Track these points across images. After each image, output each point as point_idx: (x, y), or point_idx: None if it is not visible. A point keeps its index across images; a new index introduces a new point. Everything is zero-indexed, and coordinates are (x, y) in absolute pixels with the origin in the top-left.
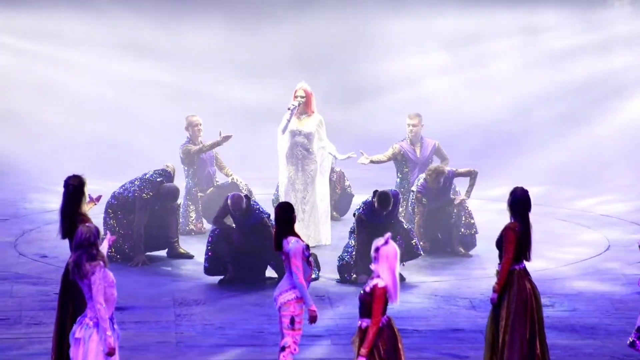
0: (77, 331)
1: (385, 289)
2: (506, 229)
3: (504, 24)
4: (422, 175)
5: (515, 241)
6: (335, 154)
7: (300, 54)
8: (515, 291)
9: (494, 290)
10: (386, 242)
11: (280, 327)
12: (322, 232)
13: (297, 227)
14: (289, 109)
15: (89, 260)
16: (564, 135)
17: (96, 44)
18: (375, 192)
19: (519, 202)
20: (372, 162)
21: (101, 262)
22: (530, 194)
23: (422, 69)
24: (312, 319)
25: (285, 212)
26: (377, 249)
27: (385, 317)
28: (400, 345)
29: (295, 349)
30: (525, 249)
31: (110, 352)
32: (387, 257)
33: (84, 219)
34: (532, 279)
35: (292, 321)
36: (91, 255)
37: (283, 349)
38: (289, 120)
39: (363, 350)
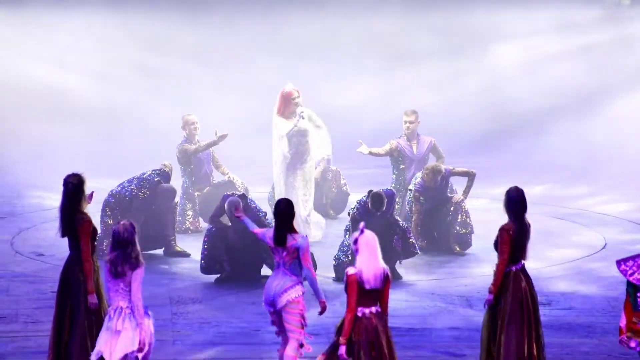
0: (114, 322)
1: (355, 276)
2: (501, 230)
3: (504, 21)
4: (419, 174)
5: (510, 242)
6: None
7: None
8: (511, 292)
9: (490, 292)
10: (362, 232)
11: (284, 326)
12: (318, 229)
13: (301, 225)
14: (300, 116)
15: (126, 259)
16: (563, 134)
17: (95, 42)
18: (369, 192)
19: (514, 202)
20: (370, 153)
21: (140, 259)
22: (527, 192)
23: (420, 65)
24: (324, 310)
25: (288, 208)
26: (355, 241)
27: (375, 308)
28: (382, 337)
29: (309, 348)
30: (522, 249)
31: (145, 345)
32: (367, 243)
33: (85, 217)
34: (529, 279)
35: (304, 318)
36: (127, 254)
37: (302, 346)
38: (295, 125)
39: (341, 339)
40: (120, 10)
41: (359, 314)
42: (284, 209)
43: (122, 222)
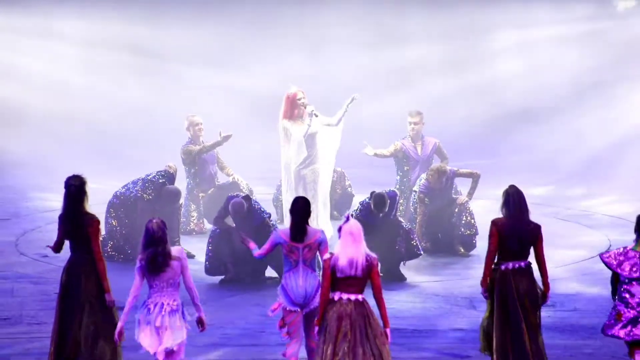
0: (153, 317)
1: (329, 261)
2: (490, 223)
3: (505, 20)
4: (424, 175)
5: (497, 236)
6: (341, 112)
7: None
8: (498, 293)
9: (481, 285)
10: (347, 220)
11: (308, 329)
12: (327, 229)
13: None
14: (313, 114)
15: (164, 255)
16: (565, 135)
17: (96, 42)
18: (372, 193)
19: (511, 200)
20: (375, 154)
21: (172, 254)
22: (533, 194)
23: (421, 65)
24: None
25: (306, 205)
26: (339, 229)
27: (355, 296)
28: (356, 326)
29: None
30: (516, 248)
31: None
32: (350, 232)
33: (93, 217)
34: (525, 281)
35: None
36: (163, 250)
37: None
38: (309, 126)
39: (315, 322)
40: (121, 10)
41: (336, 298)
42: (302, 206)
43: (154, 221)
